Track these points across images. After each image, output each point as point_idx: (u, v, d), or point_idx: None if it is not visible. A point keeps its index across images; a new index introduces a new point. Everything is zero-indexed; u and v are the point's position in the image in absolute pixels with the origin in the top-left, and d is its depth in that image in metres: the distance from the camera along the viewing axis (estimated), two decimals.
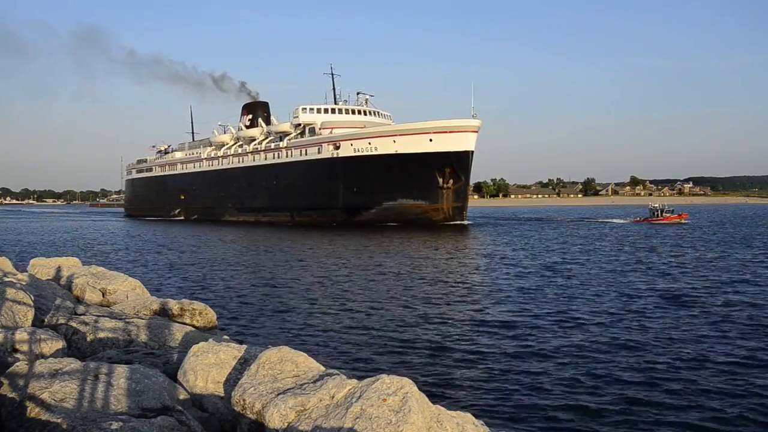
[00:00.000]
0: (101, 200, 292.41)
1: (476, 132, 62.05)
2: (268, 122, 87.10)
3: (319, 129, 73.79)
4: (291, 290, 21.55)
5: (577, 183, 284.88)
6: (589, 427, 8.88)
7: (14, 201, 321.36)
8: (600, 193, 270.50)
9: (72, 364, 5.41)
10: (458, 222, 63.88)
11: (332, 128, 72.29)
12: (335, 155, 68.18)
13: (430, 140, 61.56)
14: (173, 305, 9.18)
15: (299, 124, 76.93)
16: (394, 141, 63.74)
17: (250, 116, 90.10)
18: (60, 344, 6.34)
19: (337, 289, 21.69)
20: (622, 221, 74.58)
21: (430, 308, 17.88)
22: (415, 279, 24.13)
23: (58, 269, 12.77)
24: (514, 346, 13.37)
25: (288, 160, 75.93)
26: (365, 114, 77.39)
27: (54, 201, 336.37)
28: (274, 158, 79.10)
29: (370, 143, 65.45)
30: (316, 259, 32.36)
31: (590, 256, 32.89)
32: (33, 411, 4.79)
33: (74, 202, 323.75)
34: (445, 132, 61.28)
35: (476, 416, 5.20)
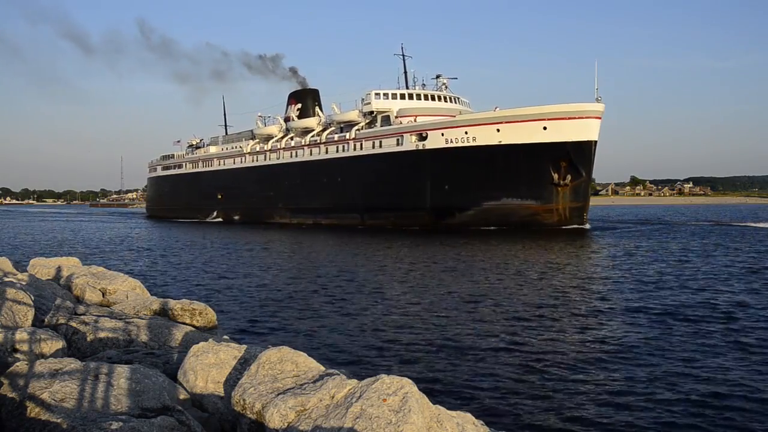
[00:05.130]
0: (101, 200, 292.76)
1: (600, 118, 53.02)
2: (316, 112, 76.86)
3: (395, 117, 63.98)
4: (292, 290, 21.55)
5: None
6: (591, 428, 8.88)
7: (14, 201, 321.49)
8: (600, 193, 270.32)
9: (72, 364, 5.41)
10: (577, 226, 53.64)
11: (414, 116, 62.71)
12: (420, 147, 58.46)
13: (544, 128, 52.14)
14: (173, 305, 9.18)
15: (371, 112, 66.44)
16: (498, 130, 53.91)
17: (299, 105, 79.33)
18: (60, 344, 6.34)
19: (339, 289, 21.68)
20: None
21: (432, 309, 17.87)
22: (424, 281, 24.11)
23: (58, 269, 12.77)
24: (516, 347, 13.36)
25: (357, 153, 65.75)
26: (447, 100, 67.09)
27: (54, 201, 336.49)
28: (337, 151, 68.63)
29: (466, 132, 55.59)
30: (326, 258, 32.36)
31: None
32: (33, 411, 4.80)
33: (74, 202, 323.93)
34: (563, 118, 51.87)
35: (476, 416, 5.21)
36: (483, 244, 40.66)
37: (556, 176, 52.90)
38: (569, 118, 51.93)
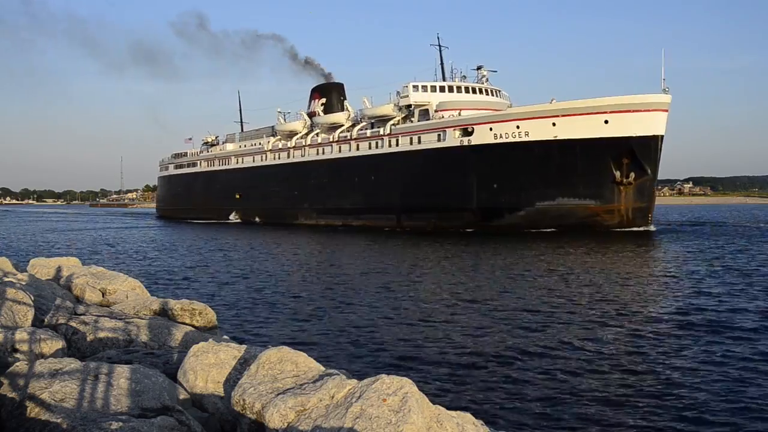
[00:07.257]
0: (101, 200, 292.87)
1: (667, 111, 48.75)
2: (344, 106, 73.40)
3: (435, 111, 59.87)
4: (291, 291, 21.56)
5: None
6: (591, 428, 8.88)
7: (14, 201, 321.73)
8: None
9: (72, 364, 5.41)
10: (641, 228, 49.37)
11: (458, 110, 58.16)
12: (465, 142, 54.46)
13: (606, 122, 48.31)
14: (173, 305, 9.18)
15: (408, 106, 62.41)
16: (554, 124, 49.95)
17: (324, 100, 76.27)
18: (60, 344, 6.34)
19: (338, 289, 21.69)
20: None
21: (432, 309, 17.88)
22: (422, 278, 24.10)
23: (58, 269, 12.75)
24: (516, 346, 13.36)
25: (393, 149, 61.64)
26: (490, 93, 63.48)
27: (54, 201, 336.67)
28: (370, 148, 64.59)
29: (518, 127, 51.63)
30: (325, 258, 32.35)
31: None
32: (33, 411, 4.80)
33: (74, 202, 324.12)
34: (627, 111, 47.94)
35: (476, 416, 5.20)
36: (522, 245, 38.83)
37: (618, 174, 49.03)
38: (633, 111, 47.97)
